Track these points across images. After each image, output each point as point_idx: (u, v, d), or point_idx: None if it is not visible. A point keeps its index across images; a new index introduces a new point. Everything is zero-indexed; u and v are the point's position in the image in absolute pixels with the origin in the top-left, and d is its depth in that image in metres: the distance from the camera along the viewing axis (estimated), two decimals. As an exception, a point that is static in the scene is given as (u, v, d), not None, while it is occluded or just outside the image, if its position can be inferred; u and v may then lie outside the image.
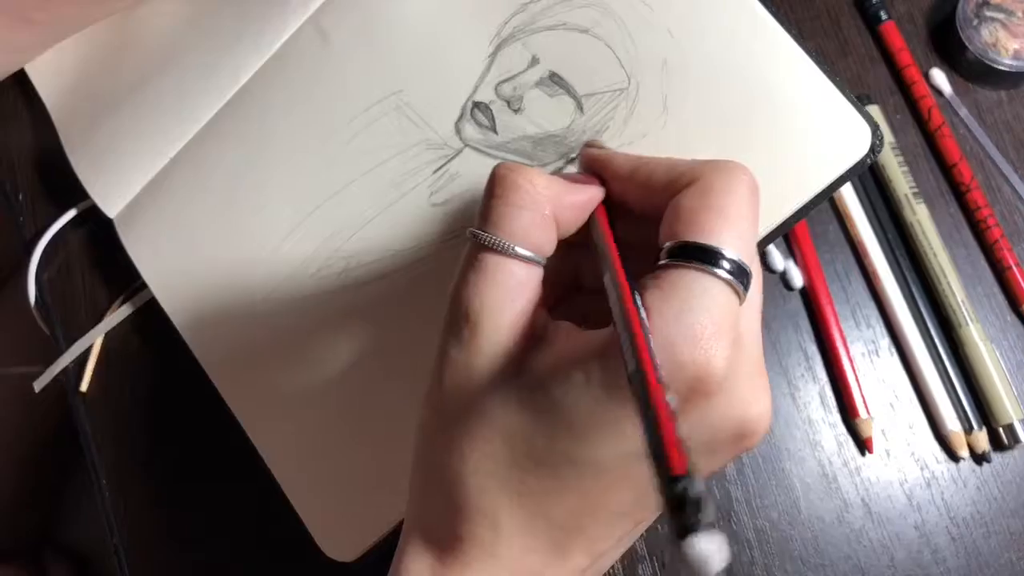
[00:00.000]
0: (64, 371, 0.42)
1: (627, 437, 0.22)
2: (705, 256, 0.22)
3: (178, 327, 0.39)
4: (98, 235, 0.42)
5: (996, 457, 0.39)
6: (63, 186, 0.42)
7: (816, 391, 0.40)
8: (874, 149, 0.31)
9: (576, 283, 0.30)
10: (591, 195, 0.26)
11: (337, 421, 0.36)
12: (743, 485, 0.39)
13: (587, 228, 0.26)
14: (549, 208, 0.24)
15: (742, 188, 0.23)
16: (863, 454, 0.40)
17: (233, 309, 0.38)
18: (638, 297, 0.22)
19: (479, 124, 0.35)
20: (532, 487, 0.23)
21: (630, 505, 0.24)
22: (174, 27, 0.42)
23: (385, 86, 0.37)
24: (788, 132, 0.31)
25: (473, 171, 0.35)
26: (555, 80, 0.34)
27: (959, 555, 0.38)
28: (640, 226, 0.26)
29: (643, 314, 0.21)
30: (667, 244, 0.23)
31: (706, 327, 0.21)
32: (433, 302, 0.35)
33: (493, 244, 0.24)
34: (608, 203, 0.27)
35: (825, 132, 0.31)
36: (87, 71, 0.43)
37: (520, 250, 0.24)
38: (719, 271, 0.22)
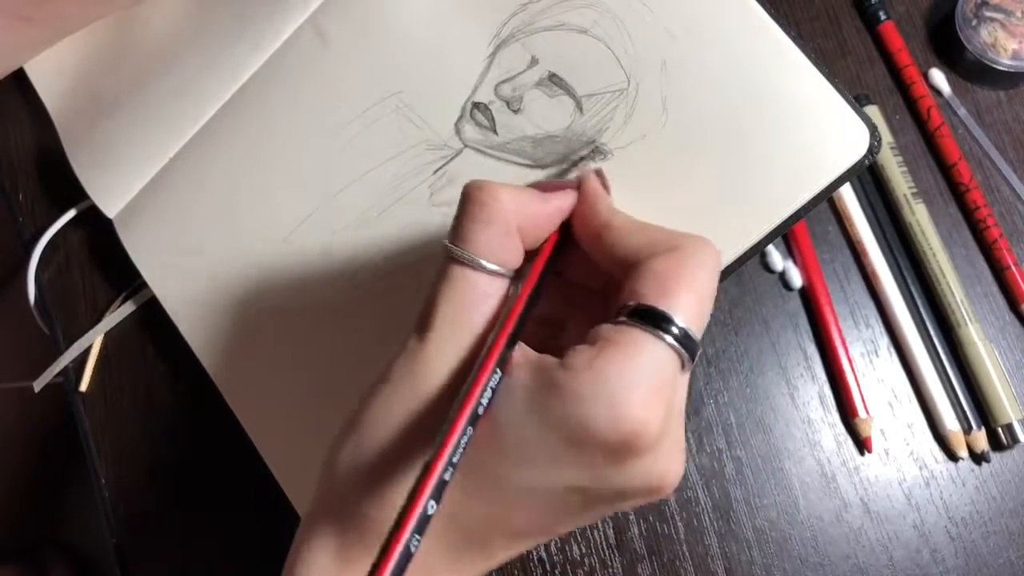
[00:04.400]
0: (64, 371, 0.42)
1: (555, 470, 0.24)
2: (664, 324, 0.23)
3: (178, 326, 0.39)
4: (98, 235, 0.42)
5: (995, 457, 0.39)
6: (63, 186, 0.42)
7: (815, 391, 0.40)
8: (872, 150, 0.31)
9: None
10: (557, 205, 0.27)
11: (336, 421, 0.36)
12: (742, 485, 0.39)
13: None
14: (513, 222, 0.26)
15: (713, 266, 0.25)
16: (862, 454, 0.40)
17: (233, 308, 0.38)
18: (495, 380, 0.23)
19: (479, 125, 0.35)
20: (451, 493, 0.24)
21: (535, 528, 0.26)
22: (174, 27, 0.42)
23: (384, 87, 0.37)
24: (787, 133, 0.31)
25: (473, 172, 0.35)
26: (555, 81, 0.34)
27: (958, 555, 0.38)
28: (584, 261, 0.27)
29: (481, 398, 0.23)
30: (631, 302, 0.24)
31: (650, 388, 0.23)
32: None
33: (459, 257, 0.25)
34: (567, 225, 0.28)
35: (823, 133, 0.31)
36: (87, 70, 0.43)
37: (485, 263, 0.25)
38: (673, 341, 0.23)
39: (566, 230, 0.28)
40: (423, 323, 0.26)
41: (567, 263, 0.29)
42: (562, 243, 0.28)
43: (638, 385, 0.22)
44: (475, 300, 0.25)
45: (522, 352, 0.25)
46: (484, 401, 0.23)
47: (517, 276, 0.27)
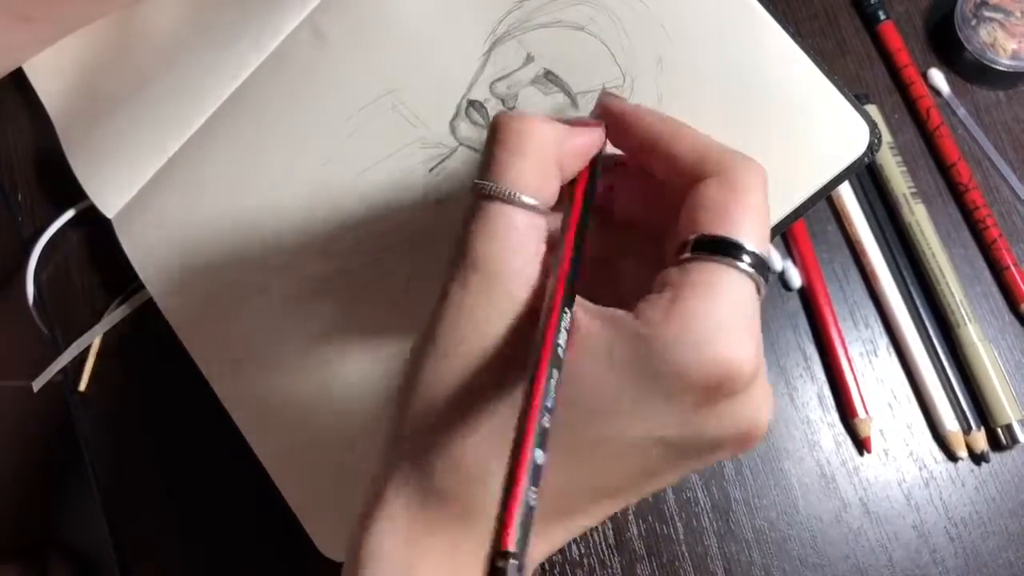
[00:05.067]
0: (63, 371, 0.42)
1: (639, 421, 0.22)
2: (733, 251, 0.22)
3: (174, 327, 0.39)
4: (97, 235, 0.42)
5: (994, 457, 0.39)
6: (62, 186, 0.42)
7: (814, 391, 0.40)
8: (872, 148, 0.30)
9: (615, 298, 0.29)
10: (593, 138, 0.25)
11: (333, 421, 0.36)
12: (742, 485, 0.39)
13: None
14: (551, 154, 0.24)
15: (764, 186, 0.23)
16: (861, 454, 0.40)
17: (230, 309, 0.38)
18: (567, 320, 0.22)
19: (474, 122, 0.35)
20: (553, 464, 0.22)
21: (619, 488, 0.24)
22: (172, 26, 0.42)
23: (380, 85, 0.37)
24: (785, 130, 0.31)
25: (468, 170, 0.35)
26: (550, 78, 0.34)
27: (957, 555, 0.38)
28: (630, 198, 0.26)
29: (560, 348, 0.21)
30: (693, 236, 0.23)
31: (740, 324, 0.21)
32: (431, 301, 0.35)
33: (494, 192, 0.23)
34: (597, 159, 0.26)
35: (823, 130, 0.31)
36: (86, 70, 0.43)
37: (523, 198, 0.24)
38: (747, 267, 0.22)
39: (592, 168, 0.26)
40: (461, 269, 0.24)
41: (612, 203, 0.27)
42: (593, 178, 0.26)
43: (726, 322, 0.21)
44: (515, 238, 0.24)
45: (583, 307, 0.23)
46: (562, 343, 0.21)
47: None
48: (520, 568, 0.17)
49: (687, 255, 0.23)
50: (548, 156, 0.24)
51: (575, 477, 0.23)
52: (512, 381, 0.23)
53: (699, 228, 0.23)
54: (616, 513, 0.39)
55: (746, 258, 0.22)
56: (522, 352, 0.22)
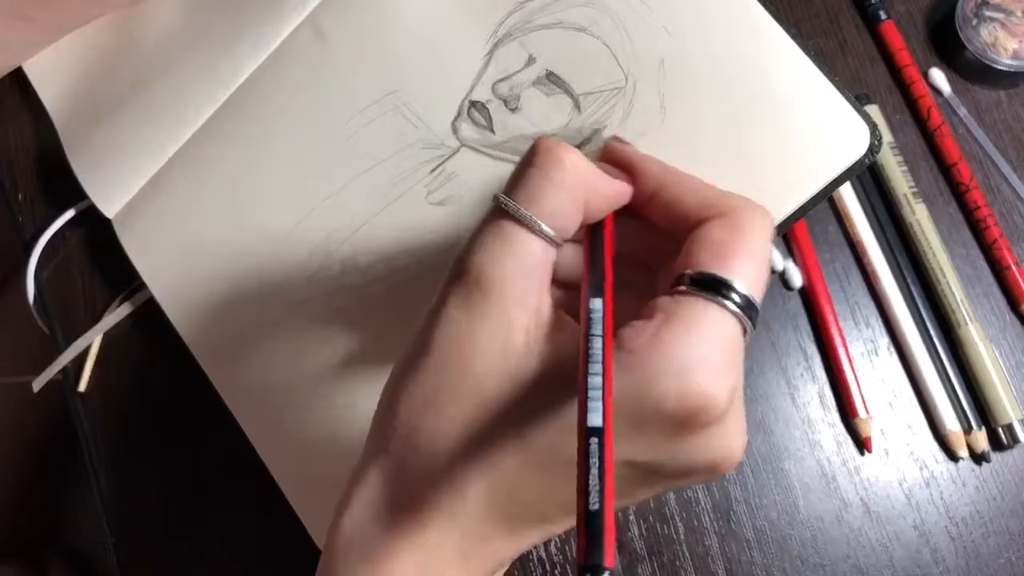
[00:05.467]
0: (63, 370, 0.42)
1: (614, 444, 0.22)
2: (723, 290, 0.23)
3: (176, 326, 0.39)
4: (97, 235, 0.42)
5: (995, 457, 0.39)
6: (62, 186, 0.42)
7: (815, 391, 0.40)
8: (873, 149, 0.30)
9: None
10: (620, 190, 0.26)
11: (335, 421, 0.36)
12: (742, 485, 0.39)
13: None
14: (583, 192, 0.24)
15: (768, 230, 0.24)
16: (862, 454, 0.40)
17: (231, 309, 0.38)
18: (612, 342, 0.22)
19: (476, 124, 0.35)
20: (509, 467, 0.23)
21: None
22: (173, 26, 0.42)
23: (382, 86, 0.37)
24: (786, 131, 0.31)
25: (470, 171, 0.35)
26: (552, 79, 0.34)
27: (958, 555, 0.38)
28: (629, 232, 0.26)
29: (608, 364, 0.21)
30: (688, 272, 0.23)
31: (720, 360, 0.22)
32: (428, 303, 0.35)
33: (520, 216, 0.24)
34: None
35: (823, 131, 0.31)
36: (86, 70, 0.43)
37: (546, 228, 0.24)
38: (736, 308, 0.23)
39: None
40: (465, 285, 0.24)
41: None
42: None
43: (707, 358, 0.22)
44: (529, 265, 0.24)
45: (572, 331, 0.24)
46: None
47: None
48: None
49: (682, 288, 0.23)
50: (581, 194, 0.24)
51: (550, 490, 0.24)
52: (498, 402, 0.23)
53: (697, 264, 0.23)
54: (617, 513, 0.39)
55: (736, 298, 0.23)
56: (508, 377, 0.23)
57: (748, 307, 0.23)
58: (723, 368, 0.22)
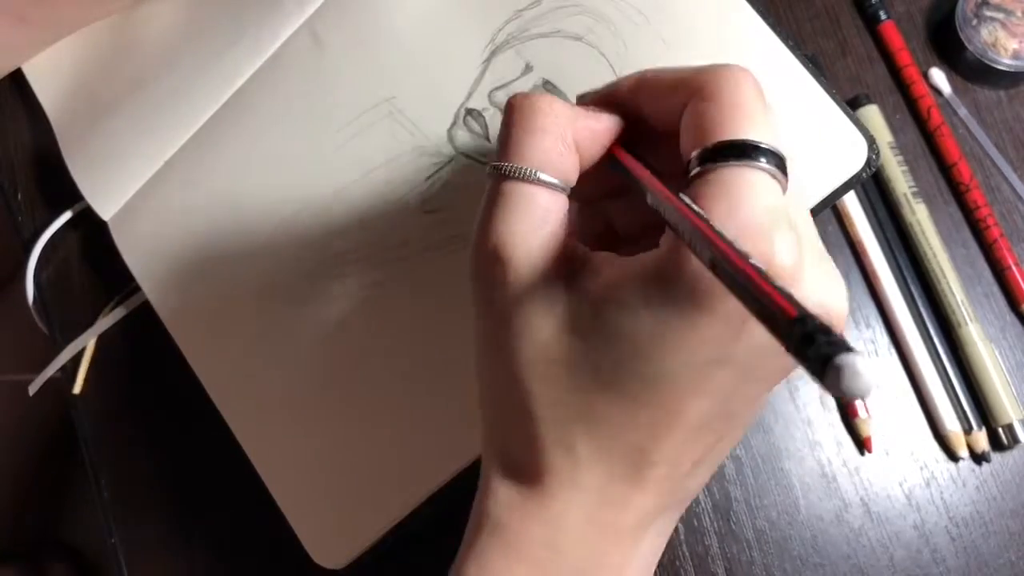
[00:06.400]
0: (62, 370, 0.42)
1: (701, 344, 0.21)
2: (738, 151, 0.21)
3: (170, 330, 0.39)
4: (96, 236, 0.42)
5: (995, 457, 0.39)
6: (61, 187, 0.42)
7: (816, 391, 0.40)
8: (870, 162, 0.30)
9: (609, 237, 0.29)
10: (608, 124, 0.25)
11: (328, 427, 0.36)
12: (742, 485, 0.39)
13: (606, 175, 0.25)
14: (569, 133, 0.24)
15: (748, 82, 0.23)
16: (862, 454, 0.40)
17: (225, 313, 0.38)
18: (686, 199, 0.21)
19: (472, 131, 0.35)
20: (604, 411, 0.22)
21: (709, 415, 0.23)
22: (171, 30, 0.41)
23: (378, 92, 0.37)
24: (782, 144, 0.31)
25: (465, 178, 0.35)
26: (548, 87, 0.34)
27: (958, 555, 0.38)
28: (661, 154, 0.25)
29: (699, 209, 0.20)
30: (695, 152, 0.22)
31: (763, 220, 0.20)
32: (426, 308, 0.35)
33: (514, 172, 0.23)
34: (625, 142, 0.26)
35: (821, 144, 0.31)
36: (84, 72, 0.43)
37: (543, 176, 0.23)
38: (757, 162, 0.21)
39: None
40: (489, 261, 0.23)
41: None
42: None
43: (749, 223, 0.20)
44: (538, 215, 0.23)
45: (606, 259, 0.23)
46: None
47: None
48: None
49: (696, 171, 0.22)
50: (565, 133, 0.24)
51: (661, 412, 0.22)
52: (563, 353, 0.23)
53: (700, 142, 0.22)
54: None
55: (759, 154, 0.21)
56: (563, 329, 0.23)
57: (774, 159, 0.21)
58: (770, 228, 0.20)
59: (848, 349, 0.14)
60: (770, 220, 0.21)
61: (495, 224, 0.23)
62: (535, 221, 0.23)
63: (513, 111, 0.24)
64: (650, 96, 0.25)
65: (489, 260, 0.23)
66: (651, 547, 0.25)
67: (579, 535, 0.24)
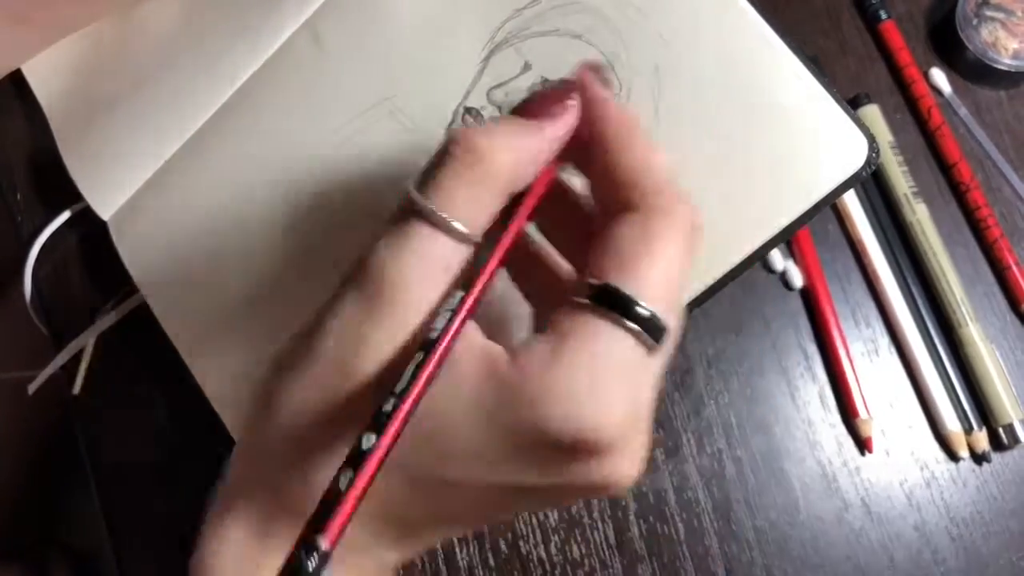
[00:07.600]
0: (62, 369, 0.42)
1: (498, 469, 0.21)
2: (624, 307, 0.21)
3: (167, 331, 0.39)
4: (95, 236, 0.42)
5: (996, 457, 0.39)
6: (60, 187, 0.42)
7: (816, 391, 0.40)
8: (871, 161, 0.30)
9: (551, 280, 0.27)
10: (551, 136, 0.23)
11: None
12: (742, 485, 0.39)
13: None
14: (505, 184, 0.22)
15: (681, 234, 0.22)
16: (863, 454, 0.40)
17: (224, 315, 0.38)
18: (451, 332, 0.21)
19: None
20: (389, 487, 0.22)
21: (471, 518, 0.25)
22: (171, 29, 0.41)
23: (378, 91, 0.36)
24: (783, 142, 0.31)
25: None
26: (547, 86, 0.34)
27: (959, 555, 0.38)
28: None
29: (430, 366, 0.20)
30: (592, 280, 0.21)
31: (613, 385, 0.20)
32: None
33: (428, 214, 0.21)
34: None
35: (821, 143, 0.31)
36: (83, 72, 0.43)
37: (457, 226, 0.21)
38: (635, 326, 0.21)
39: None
40: (361, 288, 0.22)
41: (547, 213, 0.25)
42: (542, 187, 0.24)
43: (597, 385, 0.20)
44: (433, 268, 0.21)
45: (467, 341, 0.21)
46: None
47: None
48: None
49: (580, 301, 0.21)
50: (501, 187, 0.22)
51: (431, 510, 0.23)
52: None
53: (599, 271, 0.21)
54: (617, 513, 0.39)
55: (638, 315, 0.21)
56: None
57: (652, 325, 0.21)
58: (615, 395, 0.20)
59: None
60: (618, 387, 0.20)
61: (387, 253, 0.22)
62: (430, 271, 0.22)
63: (449, 150, 0.22)
64: (610, 158, 0.23)
65: (368, 280, 0.22)
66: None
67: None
